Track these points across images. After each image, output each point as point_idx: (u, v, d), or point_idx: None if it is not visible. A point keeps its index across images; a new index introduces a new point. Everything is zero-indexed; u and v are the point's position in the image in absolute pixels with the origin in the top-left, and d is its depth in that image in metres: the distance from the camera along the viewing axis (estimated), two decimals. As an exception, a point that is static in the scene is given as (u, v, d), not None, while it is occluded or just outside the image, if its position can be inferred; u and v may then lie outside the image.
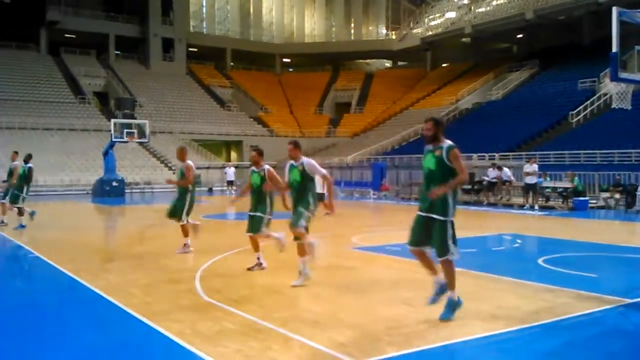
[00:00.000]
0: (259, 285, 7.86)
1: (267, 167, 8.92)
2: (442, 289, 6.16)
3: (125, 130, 29.90)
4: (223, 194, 33.61)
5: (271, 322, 5.95)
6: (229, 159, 48.86)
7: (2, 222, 15.22)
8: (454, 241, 6.08)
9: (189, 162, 10.45)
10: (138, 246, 12.08)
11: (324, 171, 7.89)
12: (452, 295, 6.14)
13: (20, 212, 14.91)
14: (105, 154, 30.56)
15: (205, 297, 7.15)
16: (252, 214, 8.85)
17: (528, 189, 21.31)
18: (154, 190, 34.46)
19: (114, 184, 29.41)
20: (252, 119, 51.37)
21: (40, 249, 11.18)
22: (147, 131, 31.44)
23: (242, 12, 63.60)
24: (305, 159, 7.97)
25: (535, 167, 21.16)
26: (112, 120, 31.20)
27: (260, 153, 8.81)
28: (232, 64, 61.01)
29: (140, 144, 36.19)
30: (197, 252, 10.73)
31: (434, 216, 6.06)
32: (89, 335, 5.85)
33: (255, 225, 8.77)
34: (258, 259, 8.94)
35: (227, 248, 11.09)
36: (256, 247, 8.91)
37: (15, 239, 12.93)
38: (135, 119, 33.30)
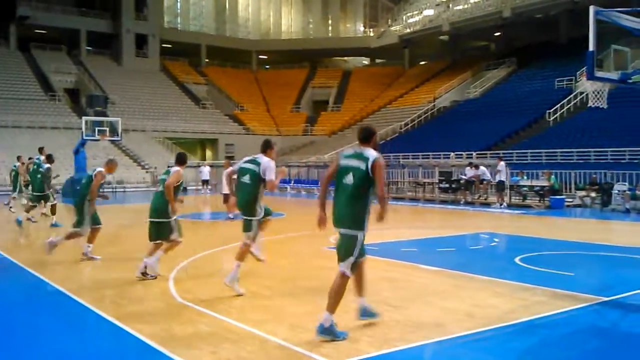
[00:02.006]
0: (234, 286, 7.72)
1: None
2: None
3: (96, 128, 29.36)
4: (197, 193, 33.29)
5: (246, 324, 5.86)
6: (204, 158, 48.44)
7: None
8: None
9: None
10: (110, 247, 11.82)
11: None
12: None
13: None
14: (76, 152, 29.94)
15: (178, 298, 7.02)
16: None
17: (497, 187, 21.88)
18: (126, 189, 33.98)
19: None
20: (227, 117, 50.99)
21: (7, 249, 10.89)
22: (120, 129, 30.94)
23: (217, 8, 63.10)
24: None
25: (501, 164, 21.66)
26: (84, 118, 30.63)
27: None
28: (207, 60, 60.47)
29: (113, 142, 35.67)
30: (172, 252, 10.54)
31: None
32: (59, 338, 5.69)
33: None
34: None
35: (202, 249, 10.92)
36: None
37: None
38: (107, 116, 32.84)
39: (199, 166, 35.89)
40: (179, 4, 61.86)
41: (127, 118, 40.48)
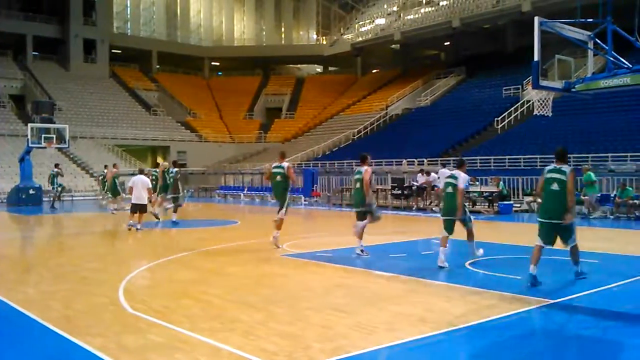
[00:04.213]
0: (186, 295, 7.63)
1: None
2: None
3: (43, 135, 28.58)
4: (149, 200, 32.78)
5: (199, 333, 5.79)
6: (155, 165, 47.69)
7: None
8: None
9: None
10: (57, 257, 11.53)
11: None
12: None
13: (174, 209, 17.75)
14: (22, 160, 29.15)
15: (129, 309, 6.88)
16: None
17: None
18: (73, 198, 33.09)
19: (31, 191, 28.08)
20: (179, 124, 50.35)
21: None
22: (67, 136, 30.16)
23: (168, 14, 62.28)
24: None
25: (441, 171, 22.34)
26: (29, 125, 29.77)
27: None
28: (158, 66, 59.60)
29: (60, 149, 34.75)
30: (121, 262, 10.35)
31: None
32: (6, 352, 5.49)
33: None
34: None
35: (153, 257, 10.75)
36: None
37: None
38: (54, 123, 31.93)
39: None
40: (128, 9, 60.82)
41: (75, 125, 39.56)
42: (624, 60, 8.55)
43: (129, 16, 60.91)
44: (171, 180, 17.82)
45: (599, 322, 6.55)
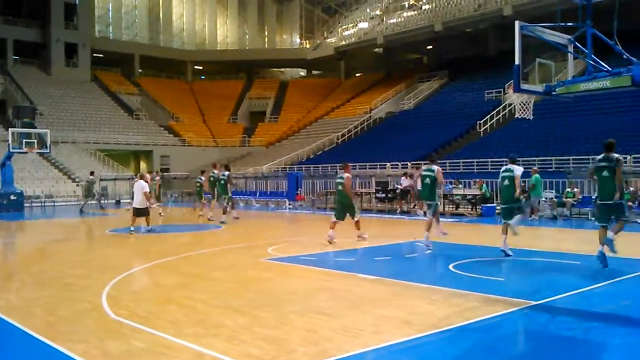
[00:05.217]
0: (170, 301, 7.58)
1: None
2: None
3: (24, 140, 28.34)
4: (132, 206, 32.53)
5: (183, 339, 5.76)
6: (138, 170, 47.37)
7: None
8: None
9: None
10: (39, 263, 11.40)
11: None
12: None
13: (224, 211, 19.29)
14: (2, 165, 28.83)
15: (112, 314, 6.83)
16: None
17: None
18: (55, 203, 32.77)
19: (12, 197, 27.81)
20: (162, 128, 50.09)
21: None
22: (49, 141, 29.92)
23: (150, 17, 61.96)
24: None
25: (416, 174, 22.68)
26: (10, 130, 29.49)
27: None
28: (140, 70, 59.29)
29: (41, 154, 34.42)
30: (105, 267, 10.27)
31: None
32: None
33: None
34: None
35: (137, 263, 10.69)
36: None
37: None
38: (36, 128, 31.64)
39: (133, 179, 35.03)
40: (110, 13, 60.46)
41: (57, 129, 39.22)
42: (604, 64, 8.65)
43: (110, 20, 60.56)
44: (222, 183, 19.11)
45: (581, 323, 6.62)
